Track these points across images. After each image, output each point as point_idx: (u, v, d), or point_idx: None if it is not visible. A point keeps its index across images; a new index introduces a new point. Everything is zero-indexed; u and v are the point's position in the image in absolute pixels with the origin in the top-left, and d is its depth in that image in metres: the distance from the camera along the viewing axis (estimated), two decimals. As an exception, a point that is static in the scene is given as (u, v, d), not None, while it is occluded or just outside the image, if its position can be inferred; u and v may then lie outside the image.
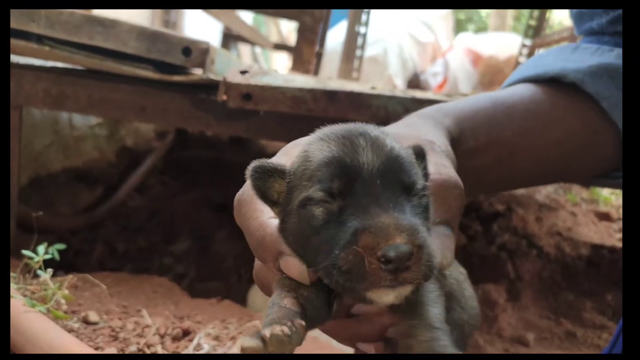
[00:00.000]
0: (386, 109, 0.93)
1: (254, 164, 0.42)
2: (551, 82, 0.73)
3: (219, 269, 1.54)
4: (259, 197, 0.43)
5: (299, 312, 0.39)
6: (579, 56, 0.75)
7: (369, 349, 0.46)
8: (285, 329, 0.35)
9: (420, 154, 0.43)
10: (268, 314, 0.39)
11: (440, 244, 0.42)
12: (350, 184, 0.37)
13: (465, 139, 0.65)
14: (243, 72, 0.98)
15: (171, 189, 2.14)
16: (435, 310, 0.42)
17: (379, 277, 0.35)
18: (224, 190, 2.06)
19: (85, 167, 1.87)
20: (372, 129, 0.41)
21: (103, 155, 2.02)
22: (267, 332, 0.35)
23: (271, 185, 0.42)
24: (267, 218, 0.44)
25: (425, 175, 0.43)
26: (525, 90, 0.74)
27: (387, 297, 0.37)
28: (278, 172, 0.42)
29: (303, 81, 0.97)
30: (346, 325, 0.45)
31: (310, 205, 0.39)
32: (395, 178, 0.38)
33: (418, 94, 0.97)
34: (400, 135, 0.50)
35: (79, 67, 1.15)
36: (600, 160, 0.76)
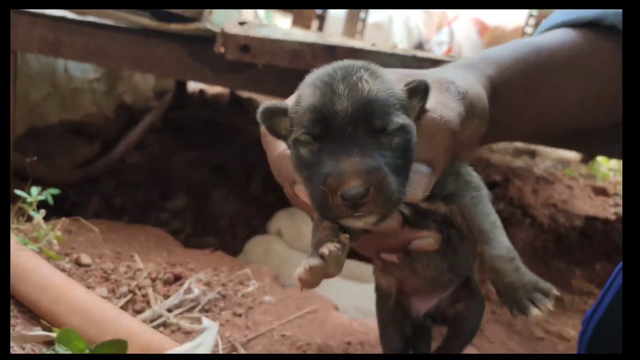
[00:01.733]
0: (386, 67, 0.91)
1: (263, 105, 0.48)
2: (590, 27, 0.70)
3: (214, 226, 1.56)
4: (270, 133, 0.50)
5: (338, 228, 0.46)
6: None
7: (392, 258, 0.55)
8: (338, 245, 0.44)
9: (418, 90, 0.46)
10: (314, 235, 0.47)
11: (413, 181, 0.46)
12: (327, 129, 0.43)
13: (507, 92, 0.63)
14: (241, 24, 0.96)
15: (169, 148, 2.13)
16: (503, 238, 0.50)
17: (342, 210, 0.41)
18: (222, 151, 2.05)
19: (83, 121, 1.86)
20: (359, 70, 0.45)
21: (101, 110, 2.00)
22: (325, 250, 0.43)
23: (278, 123, 0.48)
24: (281, 150, 0.51)
25: (421, 111, 0.47)
26: (567, 36, 0.70)
27: (357, 224, 0.45)
28: (281, 112, 0.48)
29: (303, 35, 0.95)
30: (374, 238, 0.53)
31: (299, 145, 0.45)
32: (365, 123, 0.42)
33: (419, 52, 0.95)
34: (419, 74, 0.53)
35: (74, 16, 1.12)
36: None
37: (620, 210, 1.63)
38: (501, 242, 0.50)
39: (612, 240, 1.33)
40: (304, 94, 0.46)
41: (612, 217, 1.54)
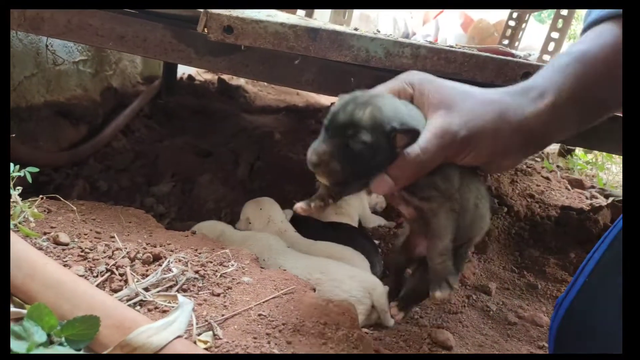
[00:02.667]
0: (367, 51, 0.92)
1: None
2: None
3: (199, 210, 1.56)
4: None
5: (327, 188, 0.73)
6: None
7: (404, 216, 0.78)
8: (319, 202, 0.74)
9: (408, 132, 0.65)
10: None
11: (376, 182, 0.67)
12: (329, 124, 0.66)
13: (567, 103, 0.70)
14: (225, 4, 0.96)
15: (157, 134, 2.12)
16: (445, 239, 0.69)
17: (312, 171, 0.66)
18: (210, 138, 2.05)
19: (69, 104, 1.84)
20: (372, 99, 0.65)
21: (87, 93, 1.98)
22: (308, 203, 0.74)
23: None
24: None
25: (407, 144, 0.65)
26: (608, 37, 0.71)
27: (321, 181, 0.68)
28: None
29: (285, 17, 0.95)
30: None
31: None
32: (343, 129, 0.64)
33: (400, 39, 0.96)
34: (470, 93, 0.69)
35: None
36: None
37: (595, 202, 1.66)
38: (442, 241, 0.69)
39: (586, 229, 1.36)
40: (338, 101, 0.68)
41: (587, 208, 1.57)
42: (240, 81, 2.92)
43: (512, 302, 1.09)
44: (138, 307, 0.74)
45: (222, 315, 0.76)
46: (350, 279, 0.95)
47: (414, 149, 0.64)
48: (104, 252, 0.84)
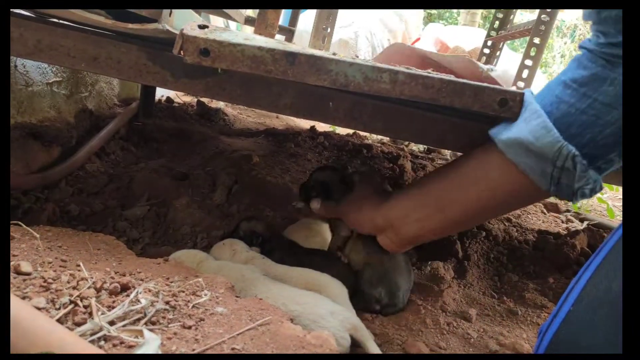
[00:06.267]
0: (346, 76, 0.91)
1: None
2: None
3: (174, 235, 1.51)
4: None
5: None
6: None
7: None
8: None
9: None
10: None
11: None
12: None
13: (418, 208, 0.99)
14: (202, 27, 0.95)
15: (132, 156, 2.08)
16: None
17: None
18: (187, 161, 2.01)
19: (41, 125, 1.78)
20: None
21: (61, 115, 1.93)
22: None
23: None
24: None
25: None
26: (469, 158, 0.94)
27: None
28: None
29: (263, 41, 0.95)
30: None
31: None
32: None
33: (379, 63, 0.96)
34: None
35: (26, 12, 1.08)
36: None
37: (571, 226, 1.68)
38: None
39: (563, 254, 1.36)
40: None
41: (564, 232, 1.58)
42: (220, 104, 2.90)
43: (492, 329, 1.07)
44: (102, 342, 0.70)
45: (193, 350, 0.72)
46: (331, 316, 0.91)
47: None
48: (68, 282, 0.80)
